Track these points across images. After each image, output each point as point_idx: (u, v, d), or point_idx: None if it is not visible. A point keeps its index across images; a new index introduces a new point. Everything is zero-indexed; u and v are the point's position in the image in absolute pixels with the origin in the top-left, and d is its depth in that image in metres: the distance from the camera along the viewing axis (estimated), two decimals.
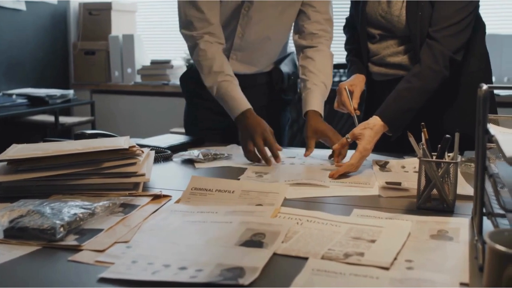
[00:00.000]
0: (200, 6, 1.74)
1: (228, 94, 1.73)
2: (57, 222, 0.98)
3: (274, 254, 0.91)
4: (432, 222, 1.06)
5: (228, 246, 0.93)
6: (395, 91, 1.60)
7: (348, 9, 1.92)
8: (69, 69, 4.45)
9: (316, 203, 1.24)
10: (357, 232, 0.99)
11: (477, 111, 0.91)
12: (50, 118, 3.78)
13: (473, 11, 1.61)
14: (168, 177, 1.49)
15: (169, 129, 3.68)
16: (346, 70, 1.92)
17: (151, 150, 1.48)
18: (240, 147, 1.74)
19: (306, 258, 0.89)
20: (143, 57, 4.25)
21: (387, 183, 1.34)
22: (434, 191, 1.16)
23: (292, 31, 1.92)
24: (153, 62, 4.11)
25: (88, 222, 1.04)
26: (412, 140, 1.22)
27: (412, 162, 1.49)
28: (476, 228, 0.93)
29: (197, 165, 1.59)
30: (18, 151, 1.30)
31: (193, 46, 1.79)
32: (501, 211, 0.90)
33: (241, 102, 1.71)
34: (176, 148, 1.76)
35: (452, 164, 1.15)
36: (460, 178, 1.26)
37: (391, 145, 1.63)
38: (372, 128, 1.52)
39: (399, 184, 1.33)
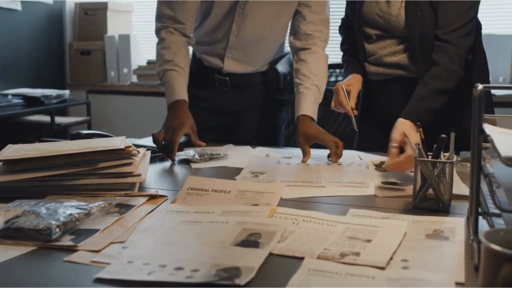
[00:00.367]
0: (173, 6, 1.79)
1: (169, 82, 1.78)
2: (53, 222, 0.98)
3: (270, 254, 0.91)
4: (427, 221, 1.07)
5: (224, 246, 0.93)
6: (414, 94, 1.59)
7: (344, 10, 1.92)
8: (65, 69, 4.43)
9: (312, 203, 1.24)
10: (353, 232, 0.99)
11: (473, 111, 0.92)
12: (46, 118, 3.77)
13: (477, 10, 1.63)
14: (164, 177, 1.49)
15: None
16: (342, 70, 1.92)
17: (147, 150, 1.48)
18: (236, 147, 1.74)
19: (302, 258, 0.89)
20: (139, 57, 4.24)
21: (383, 183, 1.34)
22: (430, 190, 1.16)
23: (288, 32, 1.92)
24: (149, 62, 4.10)
25: (84, 222, 1.04)
26: (407, 140, 1.22)
27: None
28: (472, 227, 0.93)
29: (193, 165, 1.59)
30: (13, 151, 1.29)
31: (158, 38, 1.85)
32: (497, 211, 0.90)
33: (178, 92, 1.76)
34: None
35: (447, 164, 1.15)
36: (455, 177, 1.27)
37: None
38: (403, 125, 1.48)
39: (395, 184, 1.34)
